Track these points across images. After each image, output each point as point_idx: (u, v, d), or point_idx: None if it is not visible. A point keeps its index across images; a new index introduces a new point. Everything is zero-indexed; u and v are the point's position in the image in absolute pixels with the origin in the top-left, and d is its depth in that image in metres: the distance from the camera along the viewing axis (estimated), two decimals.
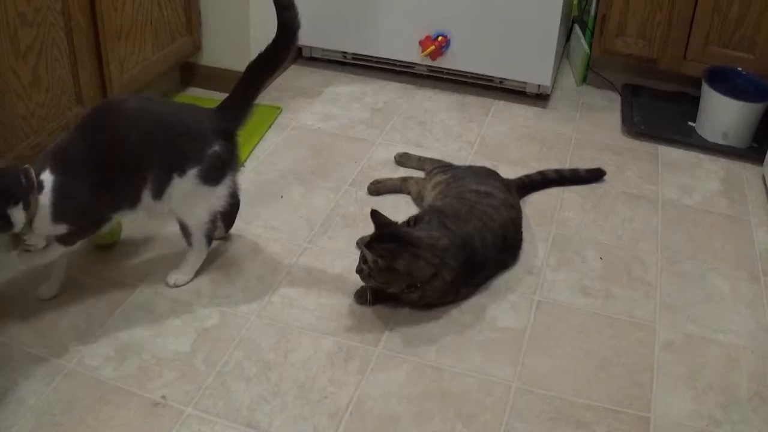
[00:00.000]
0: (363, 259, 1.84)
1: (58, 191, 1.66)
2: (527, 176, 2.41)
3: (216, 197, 1.87)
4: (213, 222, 1.92)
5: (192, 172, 1.79)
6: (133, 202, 1.78)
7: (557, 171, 2.46)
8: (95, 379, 1.68)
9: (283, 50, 1.84)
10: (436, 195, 2.15)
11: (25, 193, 1.61)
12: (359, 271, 1.85)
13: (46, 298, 1.87)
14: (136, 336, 1.80)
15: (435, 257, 1.84)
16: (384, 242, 1.83)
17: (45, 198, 1.65)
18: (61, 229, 1.71)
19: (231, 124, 1.86)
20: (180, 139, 1.78)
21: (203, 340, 1.80)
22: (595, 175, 2.50)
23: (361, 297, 1.93)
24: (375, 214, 1.87)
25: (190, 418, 1.61)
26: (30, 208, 1.62)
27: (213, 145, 1.81)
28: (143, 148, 1.74)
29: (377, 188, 2.37)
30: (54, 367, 1.70)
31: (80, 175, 1.69)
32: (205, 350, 1.77)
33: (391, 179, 2.39)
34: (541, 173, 2.44)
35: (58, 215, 1.68)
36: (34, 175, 1.63)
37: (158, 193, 1.79)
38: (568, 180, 2.46)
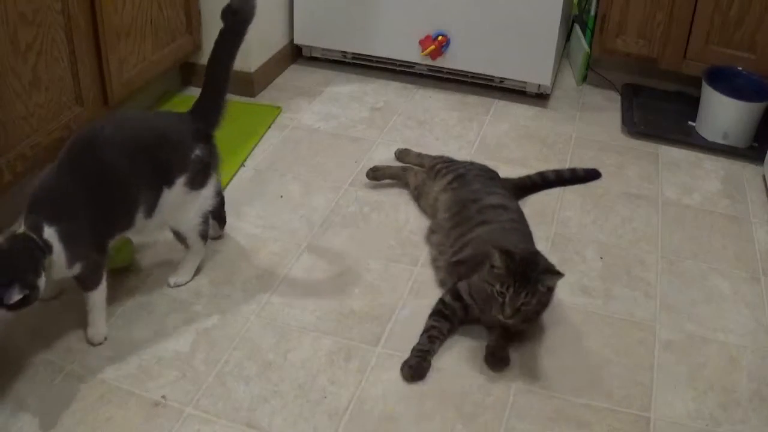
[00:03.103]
0: (518, 297, 1.70)
1: (64, 240, 1.61)
2: (528, 177, 2.40)
3: (203, 198, 1.87)
4: (205, 222, 1.92)
5: (180, 181, 1.78)
6: (126, 225, 1.75)
7: (556, 172, 2.45)
8: (95, 379, 1.68)
9: (237, 33, 1.80)
10: (446, 200, 2.11)
11: (42, 260, 1.56)
12: (507, 312, 1.71)
13: (45, 299, 1.86)
14: (136, 336, 1.80)
15: None
16: (538, 269, 1.73)
17: (57, 255, 1.60)
18: (78, 268, 1.67)
19: (207, 126, 1.85)
20: (161, 152, 1.76)
21: (203, 340, 1.80)
22: (592, 174, 2.49)
23: (416, 370, 1.74)
24: (507, 252, 1.72)
25: (190, 418, 1.61)
26: (46, 269, 1.57)
27: (194, 149, 1.80)
28: (129, 172, 1.70)
29: (376, 175, 2.37)
30: (54, 367, 1.70)
31: (77, 215, 1.65)
32: (205, 350, 1.77)
33: (391, 167, 2.39)
34: (540, 174, 2.43)
35: (72, 260, 1.64)
36: (38, 238, 1.57)
37: (150, 211, 1.77)
38: (566, 180, 2.45)
